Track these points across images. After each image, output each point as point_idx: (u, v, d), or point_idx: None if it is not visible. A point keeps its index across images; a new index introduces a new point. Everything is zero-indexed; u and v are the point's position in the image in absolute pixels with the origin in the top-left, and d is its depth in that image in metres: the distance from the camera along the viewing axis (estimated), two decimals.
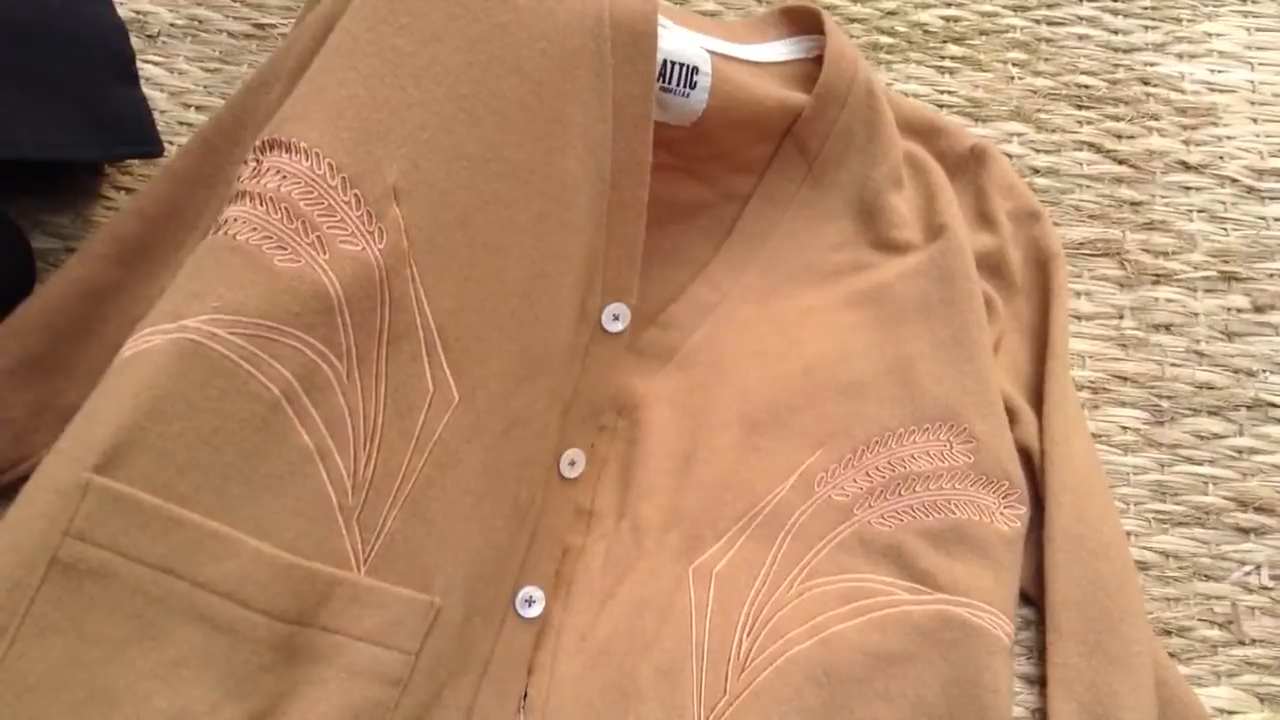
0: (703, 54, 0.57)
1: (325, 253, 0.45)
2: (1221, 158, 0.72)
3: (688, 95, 0.56)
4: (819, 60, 0.62)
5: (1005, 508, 0.56)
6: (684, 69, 0.56)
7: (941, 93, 0.74)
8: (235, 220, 0.45)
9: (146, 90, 0.66)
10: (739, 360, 0.60)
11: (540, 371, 0.50)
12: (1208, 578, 0.59)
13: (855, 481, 0.57)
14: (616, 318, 0.55)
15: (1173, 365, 0.65)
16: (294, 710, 0.43)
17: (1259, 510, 0.61)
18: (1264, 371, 0.65)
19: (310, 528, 0.44)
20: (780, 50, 0.63)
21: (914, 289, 0.61)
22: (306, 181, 0.45)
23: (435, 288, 0.47)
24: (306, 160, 0.45)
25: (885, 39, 0.76)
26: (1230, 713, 0.56)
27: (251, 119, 0.55)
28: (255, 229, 0.44)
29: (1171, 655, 0.57)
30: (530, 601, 0.50)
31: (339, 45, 0.47)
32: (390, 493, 0.46)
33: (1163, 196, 0.70)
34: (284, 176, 0.45)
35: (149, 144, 0.65)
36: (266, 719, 0.43)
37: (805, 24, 0.64)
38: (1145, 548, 0.60)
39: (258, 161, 0.46)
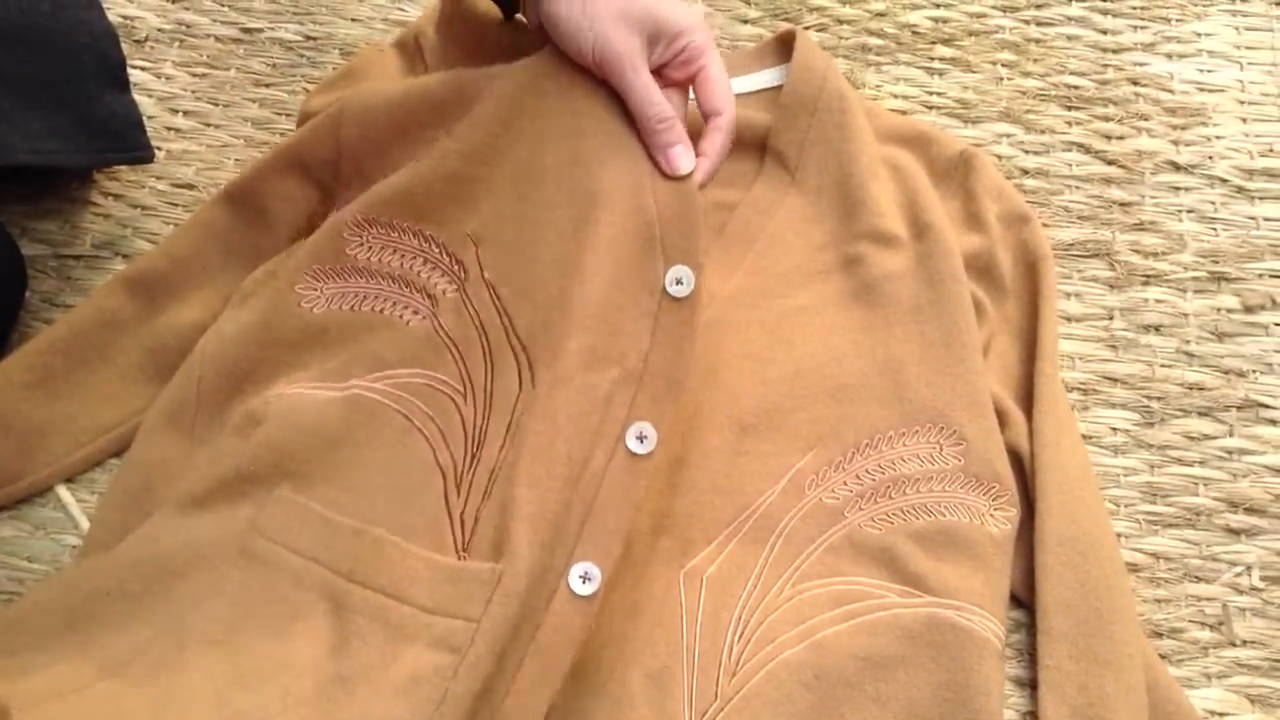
0: None
1: (435, 303, 0.58)
2: (1211, 158, 0.72)
3: None
4: None
5: (995, 510, 0.56)
6: None
7: (930, 94, 0.74)
8: (375, 296, 0.59)
9: (134, 95, 0.66)
10: (729, 363, 0.60)
11: (599, 339, 0.53)
12: (1198, 579, 0.59)
13: (846, 484, 0.57)
14: (680, 281, 0.54)
15: (1163, 366, 0.65)
16: (370, 676, 0.48)
17: (1249, 511, 0.61)
18: (1254, 372, 0.65)
19: (428, 526, 0.53)
20: (767, 77, 0.69)
21: (903, 291, 0.61)
22: (413, 252, 0.59)
23: (513, 303, 0.57)
24: (411, 237, 0.59)
25: (874, 40, 0.76)
26: (1221, 714, 0.56)
27: (270, 189, 0.63)
28: (386, 299, 0.59)
29: (1162, 657, 0.57)
30: (585, 579, 0.49)
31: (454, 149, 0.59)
32: (484, 486, 0.54)
33: (1152, 197, 0.70)
34: (395, 251, 0.59)
35: (139, 150, 0.65)
36: (348, 682, 0.48)
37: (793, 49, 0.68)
38: (1136, 549, 0.60)
39: (361, 234, 0.59)
